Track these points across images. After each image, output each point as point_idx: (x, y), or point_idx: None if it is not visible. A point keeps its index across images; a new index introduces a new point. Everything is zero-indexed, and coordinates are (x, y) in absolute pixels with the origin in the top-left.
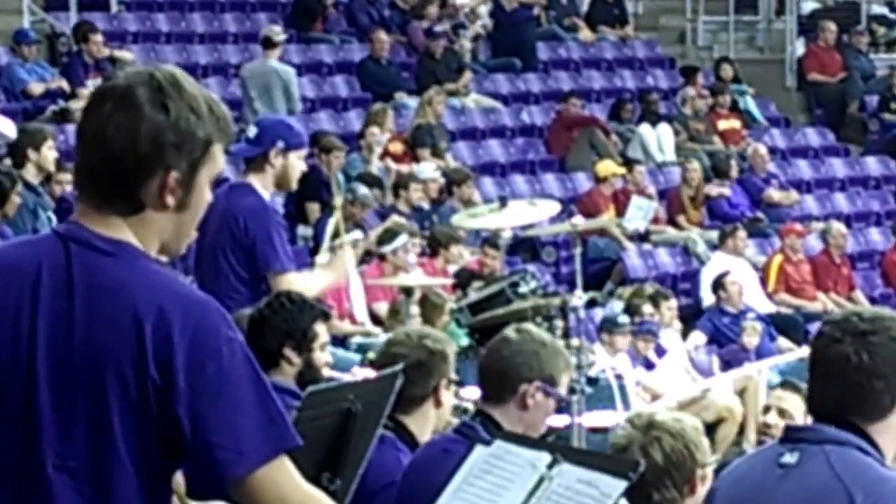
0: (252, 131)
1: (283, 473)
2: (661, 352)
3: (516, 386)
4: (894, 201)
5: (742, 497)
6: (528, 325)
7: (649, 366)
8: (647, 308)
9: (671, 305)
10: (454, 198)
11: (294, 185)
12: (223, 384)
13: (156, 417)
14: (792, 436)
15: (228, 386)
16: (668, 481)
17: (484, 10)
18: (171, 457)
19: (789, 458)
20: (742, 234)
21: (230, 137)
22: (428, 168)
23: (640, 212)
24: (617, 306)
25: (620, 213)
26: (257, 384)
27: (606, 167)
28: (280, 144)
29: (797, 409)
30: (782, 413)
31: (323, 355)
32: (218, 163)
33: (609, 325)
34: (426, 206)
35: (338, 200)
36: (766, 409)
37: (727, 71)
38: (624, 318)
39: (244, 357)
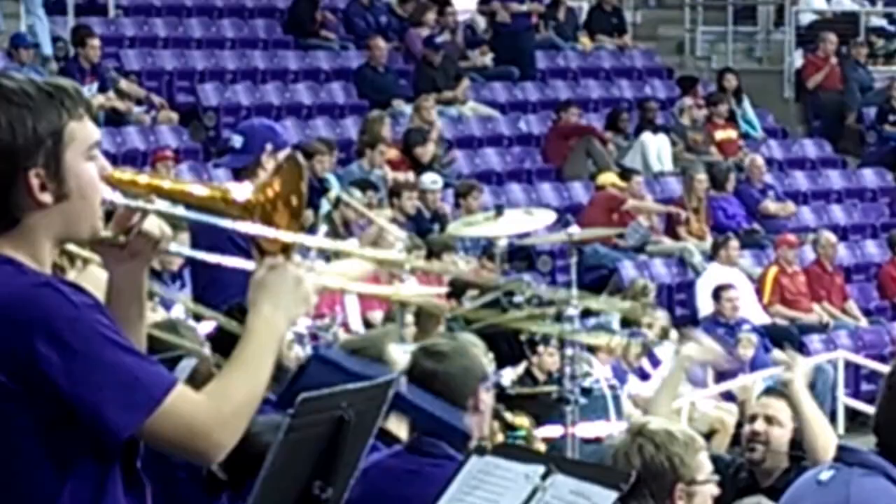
0: (237, 140)
1: (171, 415)
2: (656, 362)
3: (465, 401)
4: (888, 213)
5: None
6: (434, 345)
7: (644, 376)
8: (647, 319)
9: (660, 314)
10: (461, 209)
11: None
12: (73, 365)
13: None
14: (836, 455)
15: (76, 366)
16: (645, 490)
17: (482, 19)
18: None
19: (825, 475)
20: (734, 244)
21: (87, 104)
22: (428, 178)
23: (637, 234)
24: (614, 316)
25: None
26: (105, 357)
27: (606, 177)
28: (269, 147)
29: (784, 415)
30: (769, 420)
31: (290, 352)
32: (84, 137)
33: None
34: (427, 215)
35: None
36: (753, 418)
37: (731, 81)
38: (616, 324)
39: (89, 333)
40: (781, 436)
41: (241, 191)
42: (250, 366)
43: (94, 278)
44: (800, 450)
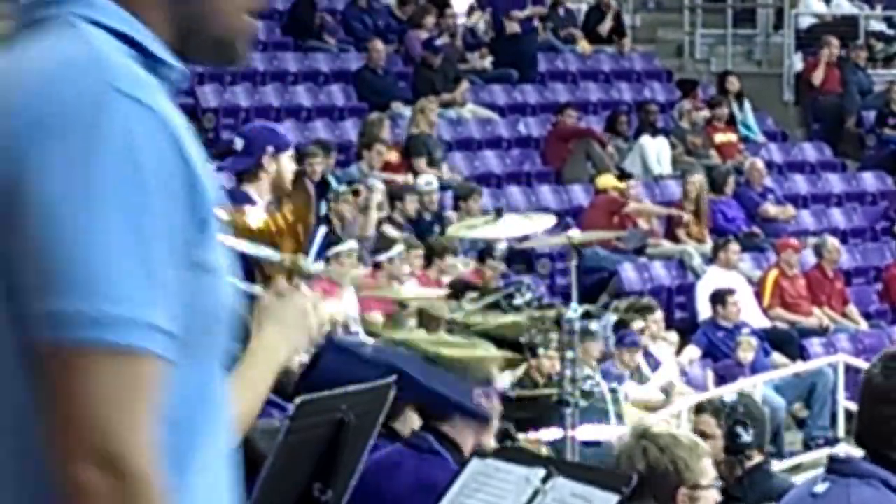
0: (238, 143)
1: None
2: (654, 364)
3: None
4: (884, 217)
5: None
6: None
7: (643, 379)
8: (639, 323)
9: (657, 318)
10: (461, 211)
11: (289, 187)
12: None
13: None
14: (829, 466)
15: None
16: (648, 492)
17: (482, 22)
18: None
19: (820, 487)
20: (734, 247)
21: None
22: (423, 180)
23: (634, 239)
24: (612, 319)
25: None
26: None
27: (607, 180)
28: (270, 149)
29: (711, 427)
30: (703, 436)
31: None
32: None
33: (583, 335)
34: (428, 217)
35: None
36: None
37: (734, 84)
38: (595, 326)
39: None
40: (713, 447)
41: (254, 216)
42: (248, 389)
43: None
44: (735, 454)
